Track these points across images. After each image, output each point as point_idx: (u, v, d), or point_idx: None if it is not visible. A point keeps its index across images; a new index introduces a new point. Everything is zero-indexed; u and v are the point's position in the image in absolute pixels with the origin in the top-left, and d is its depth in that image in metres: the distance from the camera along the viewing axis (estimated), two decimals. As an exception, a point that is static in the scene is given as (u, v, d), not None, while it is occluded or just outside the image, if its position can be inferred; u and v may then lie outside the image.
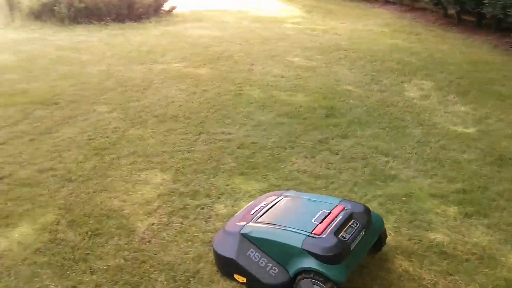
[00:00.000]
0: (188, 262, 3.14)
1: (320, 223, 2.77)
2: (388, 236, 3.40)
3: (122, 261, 3.18)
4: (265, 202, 3.21)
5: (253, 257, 2.83)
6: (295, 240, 2.70)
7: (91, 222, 3.61)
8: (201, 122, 5.51)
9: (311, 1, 14.06)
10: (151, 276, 3.04)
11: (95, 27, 10.72)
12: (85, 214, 3.71)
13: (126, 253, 3.26)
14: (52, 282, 2.98)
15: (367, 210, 2.97)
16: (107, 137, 5.16)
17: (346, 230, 2.75)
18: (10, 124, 5.49)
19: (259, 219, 2.98)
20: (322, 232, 2.70)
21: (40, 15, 10.72)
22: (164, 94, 6.44)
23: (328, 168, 4.44)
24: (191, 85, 6.78)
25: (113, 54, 8.57)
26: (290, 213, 3.03)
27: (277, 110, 5.81)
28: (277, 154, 4.72)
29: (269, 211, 3.06)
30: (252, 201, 3.43)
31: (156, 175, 4.33)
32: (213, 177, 4.27)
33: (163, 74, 7.31)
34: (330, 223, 2.77)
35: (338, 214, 2.86)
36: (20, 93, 6.53)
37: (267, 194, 3.53)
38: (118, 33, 10.30)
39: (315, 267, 2.61)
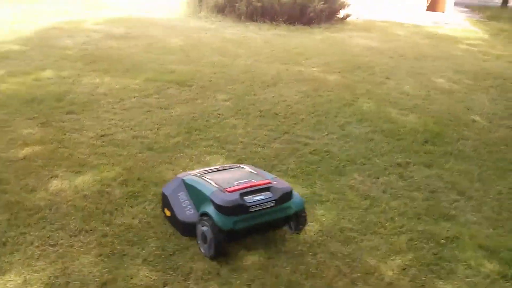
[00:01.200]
0: (184, 238, 3.37)
1: (238, 185, 3.21)
2: (391, 273, 3.10)
3: (136, 222, 3.57)
4: (220, 166, 3.85)
5: (180, 198, 3.44)
6: (208, 191, 3.22)
7: (138, 185, 4.09)
8: (294, 123, 5.61)
9: (504, 24, 12.61)
10: (148, 240, 3.36)
11: (266, 26, 11.49)
12: (139, 178, 4.21)
13: (144, 216, 3.64)
14: (74, 223, 3.52)
15: (286, 189, 3.28)
16: (207, 120, 5.64)
17: (254, 196, 3.14)
18: (141, 96, 6.39)
19: (202, 174, 3.49)
20: (232, 191, 3.15)
21: (223, 9, 11.93)
22: (281, 93, 6.68)
23: (384, 192, 4.14)
24: (311, 89, 6.88)
25: (266, 52, 9.14)
26: (226, 176, 3.44)
27: (375, 126, 5.56)
28: (342, 167, 4.57)
29: (216, 172, 3.58)
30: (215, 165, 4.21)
31: (218, 160, 4.62)
32: (265, 173, 4.38)
33: (294, 76, 7.55)
34: (246, 187, 3.18)
35: (259, 184, 3.25)
36: (168, 72, 7.48)
37: (230, 164, 4.18)
38: (283, 34, 10.88)
39: (209, 212, 3.11)
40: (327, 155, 4.81)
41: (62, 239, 3.35)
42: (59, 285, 2.92)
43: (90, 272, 3.03)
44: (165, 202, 3.53)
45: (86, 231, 3.45)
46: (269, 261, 3.18)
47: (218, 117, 5.77)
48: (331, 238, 3.42)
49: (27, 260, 3.13)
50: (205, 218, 3.16)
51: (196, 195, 3.35)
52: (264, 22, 11.60)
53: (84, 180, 4.15)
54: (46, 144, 4.84)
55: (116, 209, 3.74)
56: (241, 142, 5.06)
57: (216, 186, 3.24)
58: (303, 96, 6.60)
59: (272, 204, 3.18)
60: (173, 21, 11.93)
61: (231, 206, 3.08)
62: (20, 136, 4.99)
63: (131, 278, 2.99)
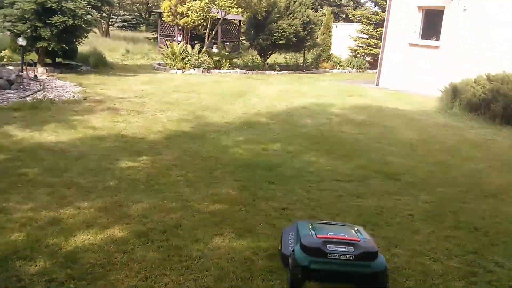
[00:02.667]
0: None
1: (329, 235, 3.78)
2: None
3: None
4: (337, 222, 4.52)
5: (289, 236, 4.09)
6: (303, 234, 3.84)
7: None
8: (491, 244, 4.77)
9: None
10: None
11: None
12: (287, 255, 4.27)
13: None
14: (207, 280, 3.81)
15: (370, 249, 3.72)
16: (391, 218, 5.31)
17: (336, 246, 3.67)
18: (343, 181, 6.44)
19: (313, 223, 4.12)
20: (319, 237, 3.75)
21: (476, 108, 11.16)
22: (498, 207, 5.83)
23: None
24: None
25: (507, 159, 8.15)
26: (329, 228, 4.00)
27: None
28: None
29: (327, 224, 4.23)
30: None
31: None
32: None
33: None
34: (332, 238, 3.74)
35: (345, 239, 3.75)
36: (382, 163, 7.41)
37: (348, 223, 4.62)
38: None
39: (295, 249, 3.77)
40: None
41: (189, 290, 3.66)
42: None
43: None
44: (281, 239, 4.22)
45: (212, 290, 3.68)
46: None
47: (406, 218, 5.36)
48: None
49: (153, 298, 3.53)
50: (292, 253, 3.76)
51: (297, 236, 3.94)
52: (524, 127, 10.28)
53: (240, 244, 4.44)
54: (233, 205, 5.37)
55: (248, 278, 3.87)
56: (412, 249, 4.57)
57: (312, 232, 3.85)
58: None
59: (351, 258, 3.64)
60: (419, 114, 11.70)
61: (311, 247, 3.68)
62: (219, 194, 5.68)
63: None
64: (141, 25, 41.18)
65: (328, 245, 3.66)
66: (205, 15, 18.75)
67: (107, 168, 6.32)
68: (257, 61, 20.88)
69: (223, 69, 19.26)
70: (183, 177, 6.18)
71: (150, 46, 25.60)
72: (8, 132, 7.62)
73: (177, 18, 19.85)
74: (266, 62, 21.35)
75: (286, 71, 20.90)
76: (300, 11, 20.15)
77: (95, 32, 18.15)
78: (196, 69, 18.41)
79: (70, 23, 13.76)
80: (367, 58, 24.92)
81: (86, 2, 14.21)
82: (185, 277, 3.83)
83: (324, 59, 23.22)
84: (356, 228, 4.06)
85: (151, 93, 12.38)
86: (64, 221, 4.67)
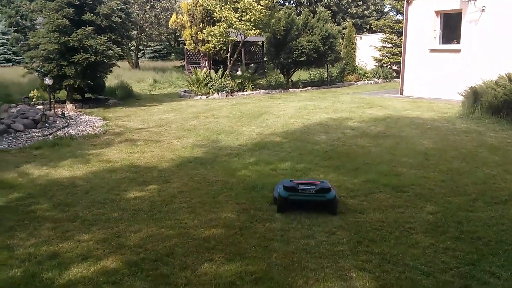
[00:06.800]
0: None
1: (300, 181, 5.97)
2: None
3: None
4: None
5: (278, 186, 6.10)
6: (285, 181, 6.02)
7: (267, 284, 4.12)
8: (491, 254, 4.58)
9: None
10: None
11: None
12: (272, 277, 4.23)
13: None
14: (185, 305, 3.83)
15: (325, 186, 5.81)
16: (390, 233, 5.19)
17: (305, 185, 5.83)
18: (348, 196, 6.36)
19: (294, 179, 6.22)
20: (295, 182, 5.91)
21: (498, 110, 10.77)
22: (506, 214, 5.56)
23: None
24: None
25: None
26: (303, 180, 6.35)
27: None
28: None
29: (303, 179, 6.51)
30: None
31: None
32: None
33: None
34: (302, 182, 5.93)
35: (310, 182, 5.93)
36: (392, 175, 7.25)
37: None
38: None
39: (279, 189, 5.93)
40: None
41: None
42: None
43: None
44: (273, 190, 6.37)
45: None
46: None
47: (405, 231, 5.22)
48: None
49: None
50: (278, 192, 5.87)
51: (282, 184, 5.96)
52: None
53: (228, 269, 4.43)
54: (229, 229, 5.38)
55: None
56: (405, 264, 4.44)
57: (291, 180, 6.06)
58: (534, 222, 5.30)
59: (313, 192, 5.75)
60: (439, 121, 11.41)
61: (288, 186, 5.82)
62: (218, 218, 5.71)
63: None
64: (172, 54, 42.25)
65: (299, 185, 5.81)
66: (224, 39, 19.06)
67: (113, 199, 6.47)
68: (280, 80, 20.98)
69: (246, 91, 19.45)
70: (186, 204, 6.24)
71: (178, 74, 26.20)
72: (26, 170, 7.97)
73: (198, 45, 20.28)
74: (289, 80, 21.40)
75: (310, 87, 20.88)
76: (318, 26, 20.17)
77: (119, 66, 18.74)
78: (220, 93, 18.67)
79: (93, 60, 14.32)
80: (394, 67, 24.58)
81: (106, 38, 14.77)
82: (166, 305, 3.86)
83: (348, 72, 23.07)
84: (322, 180, 6.02)
85: (171, 121, 12.64)
86: (62, 255, 4.82)
